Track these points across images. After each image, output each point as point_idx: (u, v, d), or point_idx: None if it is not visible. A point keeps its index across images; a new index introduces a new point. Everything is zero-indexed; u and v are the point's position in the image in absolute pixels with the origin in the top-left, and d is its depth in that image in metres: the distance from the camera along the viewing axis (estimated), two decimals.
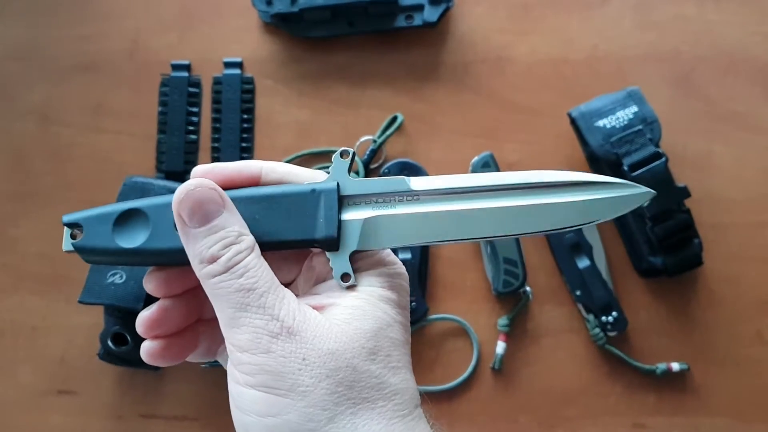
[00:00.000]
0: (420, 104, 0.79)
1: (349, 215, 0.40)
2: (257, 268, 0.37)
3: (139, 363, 0.53)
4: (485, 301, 0.75)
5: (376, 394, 0.36)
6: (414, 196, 0.40)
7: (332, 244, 0.39)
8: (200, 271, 0.37)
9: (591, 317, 0.73)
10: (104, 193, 0.74)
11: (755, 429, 0.73)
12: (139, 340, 0.42)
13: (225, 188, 0.39)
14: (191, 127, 0.79)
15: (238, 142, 0.78)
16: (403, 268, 0.42)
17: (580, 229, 0.74)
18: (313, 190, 0.40)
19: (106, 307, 0.69)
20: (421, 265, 0.74)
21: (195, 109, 0.80)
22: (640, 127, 0.71)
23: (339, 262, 0.39)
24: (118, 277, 0.66)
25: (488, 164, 0.76)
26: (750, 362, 0.74)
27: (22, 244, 0.77)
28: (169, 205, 0.38)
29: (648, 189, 0.40)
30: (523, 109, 0.79)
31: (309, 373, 0.35)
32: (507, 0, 0.81)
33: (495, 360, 0.74)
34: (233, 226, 0.38)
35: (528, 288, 0.74)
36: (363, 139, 0.78)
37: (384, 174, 0.76)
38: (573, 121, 0.74)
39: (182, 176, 0.77)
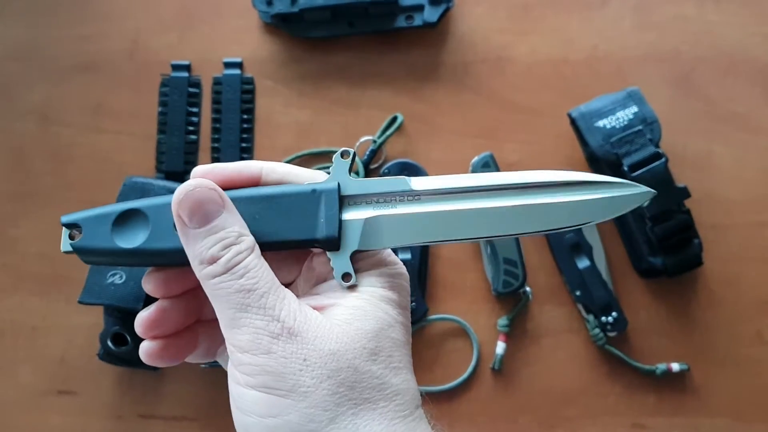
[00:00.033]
0: (420, 104, 0.79)
1: (350, 215, 0.40)
2: (257, 268, 0.37)
3: (138, 363, 0.53)
4: (485, 302, 0.75)
5: (377, 394, 0.36)
6: (415, 196, 0.40)
7: (333, 243, 0.39)
8: (200, 271, 0.37)
9: (591, 317, 0.73)
10: (104, 193, 0.74)
11: (755, 429, 0.73)
12: (139, 340, 0.42)
13: (225, 188, 0.39)
14: (191, 128, 0.79)
15: (238, 143, 0.78)
16: (403, 269, 0.42)
17: (580, 229, 0.75)
18: (314, 190, 0.40)
19: (106, 308, 0.69)
20: (421, 265, 0.74)
21: (195, 110, 0.80)
22: (640, 127, 0.71)
23: (340, 262, 0.39)
24: (117, 277, 0.66)
25: (488, 164, 0.76)
26: (750, 362, 0.74)
27: (22, 244, 0.77)
28: (168, 205, 0.38)
29: (648, 188, 0.40)
30: (523, 109, 0.79)
31: (310, 373, 0.35)
32: (507, 0, 0.81)
33: (495, 360, 0.74)
34: (233, 227, 0.38)
35: (528, 288, 0.74)
36: (363, 139, 0.78)
37: (384, 174, 0.76)
38: (573, 122, 0.74)
39: (182, 176, 0.77)
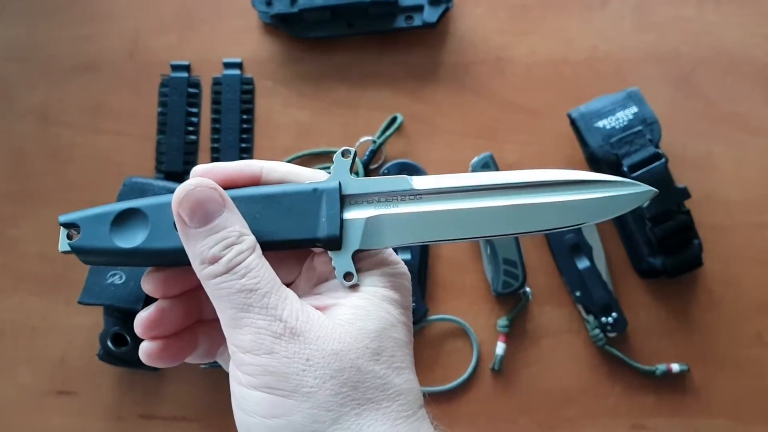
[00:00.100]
0: (420, 105, 0.79)
1: (351, 214, 0.40)
2: (259, 268, 0.37)
3: (138, 364, 0.53)
4: (485, 302, 0.75)
5: (380, 394, 0.36)
6: (416, 195, 0.40)
7: (335, 243, 0.39)
8: (201, 271, 0.37)
9: (591, 318, 0.73)
10: (104, 193, 0.74)
11: (755, 430, 0.73)
12: (139, 340, 0.41)
13: (225, 188, 0.39)
14: (191, 128, 0.79)
15: (238, 143, 0.78)
16: (405, 268, 0.42)
17: (580, 229, 0.75)
18: (315, 190, 0.40)
19: (106, 308, 0.69)
20: (420, 265, 0.74)
21: (194, 110, 0.80)
22: (639, 127, 0.71)
23: (341, 262, 0.39)
24: (117, 277, 0.66)
25: (488, 165, 0.76)
26: (750, 363, 0.74)
27: (22, 245, 0.77)
28: (168, 204, 0.38)
29: (650, 187, 0.39)
30: (523, 109, 0.79)
31: (313, 373, 0.35)
32: (507, 1, 0.81)
33: (495, 361, 0.74)
34: (234, 226, 0.37)
35: (528, 289, 0.74)
36: (363, 139, 0.78)
37: (384, 175, 0.76)
38: (573, 122, 0.74)
39: (182, 177, 0.77)
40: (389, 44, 0.80)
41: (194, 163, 0.78)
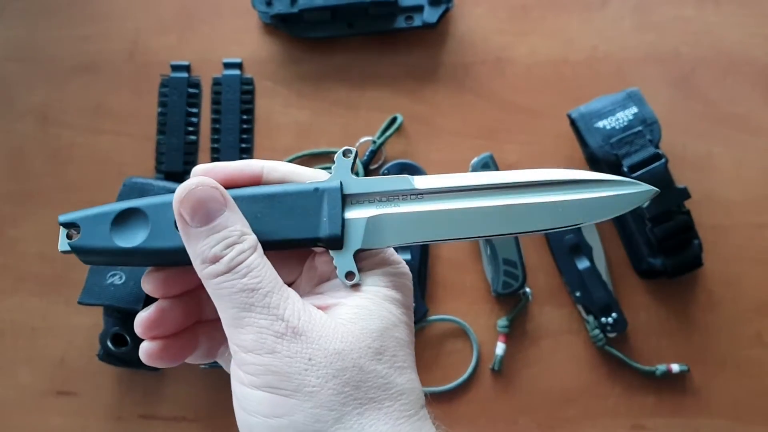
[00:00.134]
0: (420, 105, 0.79)
1: (353, 214, 0.40)
2: (261, 267, 0.37)
3: (138, 364, 0.53)
4: (485, 302, 0.75)
5: (382, 394, 0.36)
6: (417, 194, 0.40)
7: (336, 242, 0.39)
8: (202, 271, 0.37)
9: (591, 318, 0.73)
10: (104, 193, 0.74)
11: (755, 431, 0.73)
12: (139, 341, 0.41)
13: (226, 188, 0.39)
14: (191, 128, 0.79)
15: (238, 143, 0.78)
16: (406, 268, 0.42)
17: (580, 230, 0.75)
18: (317, 189, 0.40)
19: (106, 308, 0.69)
20: (420, 266, 0.74)
21: (194, 110, 0.80)
22: (639, 128, 0.71)
23: (343, 261, 0.39)
24: (117, 278, 0.66)
25: (488, 165, 0.76)
26: (750, 364, 0.74)
27: (22, 245, 0.77)
28: (168, 204, 0.38)
29: (650, 186, 0.39)
30: (523, 110, 0.79)
31: (315, 373, 0.35)
32: (507, 1, 0.81)
33: (494, 361, 0.74)
34: (235, 225, 0.37)
35: (528, 289, 0.74)
36: (363, 140, 0.78)
37: (384, 175, 0.76)
38: (573, 122, 0.74)
39: (182, 177, 0.77)
40: (389, 44, 0.80)
41: (194, 164, 0.78)
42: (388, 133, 0.77)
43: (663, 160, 0.70)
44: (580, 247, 0.74)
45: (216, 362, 0.45)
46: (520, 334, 0.75)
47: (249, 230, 0.38)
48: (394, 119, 0.77)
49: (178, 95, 0.79)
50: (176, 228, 0.38)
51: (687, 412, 0.73)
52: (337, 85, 0.80)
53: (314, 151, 0.77)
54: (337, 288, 0.40)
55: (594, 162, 0.75)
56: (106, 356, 0.70)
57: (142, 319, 0.41)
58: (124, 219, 0.39)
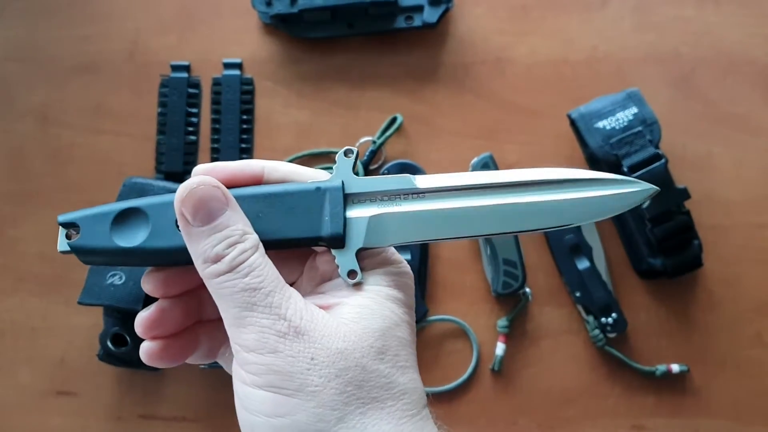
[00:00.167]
0: (419, 105, 0.79)
1: (354, 213, 0.40)
2: (262, 267, 0.36)
3: (138, 364, 0.53)
4: (485, 302, 0.75)
5: (385, 393, 0.36)
6: (419, 193, 0.40)
7: (338, 241, 0.39)
8: (204, 270, 0.37)
9: (590, 318, 0.73)
10: (104, 193, 0.74)
11: (755, 431, 0.73)
12: (139, 341, 0.41)
13: (227, 187, 0.38)
14: (191, 128, 0.79)
15: (238, 143, 0.78)
16: (408, 267, 0.42)
17: (580, 230, 0.75)
18: (318, 188, 0.40)
19: (106, 308, 0.69)
20: (420, 266, 0.74)
21: (194, 110, 0.80)
22: (639, 128, 0.71)
23: (345, 260, 0.39)
24: (117, 278, 0.66)
25: (488, 165, 0.76)
26: (750, 364, 0.74)
27: (22, 245, 0.77)
28: (169, 203, 0.38)
29: (650, 185, 0.40)
30: (523, 110, 0.79)
31: (318, 372, 0.35)
32: (507, 1, 0.81)
33: (494, 361, 0.74)
34: (237, 225, 0.37)
35: (527, 289, 0.74)
36: (363, 140, 0.78)
37: (384, 175, 0.76)
38: (572, 123, 0.74)
39: (182, 177, 0.77)
40: (389, 45, 0.80)
41: (194, 164, 0.78)
42: (388, 133, 0.77)
43: (663, 161, 0.70)
44: (580, 247, 0.74)
45: (216, 362, 0.45)
46: (520, 334, 0.75)
47: (251, 229, 0.38)
48: (394, 119, 0.77)
49: (178, 95, 0.79)
50: (177, 227, 0.38)
51: (687, 412, 0.73)
52: (337, 85, 0.80)
53: (314, 151, 0.77)
54: (338, 287, 0.40)
55: (594, 162, 0.75)
56: (106, 356, 0.70)
57: (142, 319, 0.41)
58: (124, 219, 0.39)
